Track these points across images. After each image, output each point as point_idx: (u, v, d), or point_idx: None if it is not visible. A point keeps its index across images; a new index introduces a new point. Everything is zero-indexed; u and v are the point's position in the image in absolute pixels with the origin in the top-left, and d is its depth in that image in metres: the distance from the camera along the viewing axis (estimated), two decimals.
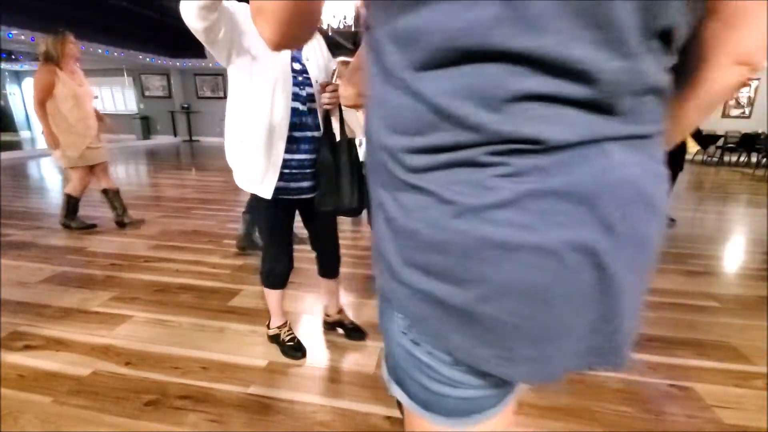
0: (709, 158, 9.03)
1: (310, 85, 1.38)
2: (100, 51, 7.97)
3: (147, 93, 11.89)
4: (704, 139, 8.70)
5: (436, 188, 0.37)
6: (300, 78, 1.36)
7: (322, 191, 1.42)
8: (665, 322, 2.03)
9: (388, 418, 1.37)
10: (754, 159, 8.18)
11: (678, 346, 1.83)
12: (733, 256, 3.13)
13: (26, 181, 5.74)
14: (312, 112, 1.40)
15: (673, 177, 3.71)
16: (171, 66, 10.74)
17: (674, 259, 2.94)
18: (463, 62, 0.34)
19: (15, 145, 9.31)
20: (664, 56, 0.37)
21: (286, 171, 1.38)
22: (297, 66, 1.36)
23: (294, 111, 1.35)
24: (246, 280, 2.42)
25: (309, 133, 1.40)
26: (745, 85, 9.37)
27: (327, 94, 1.36)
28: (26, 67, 11.95)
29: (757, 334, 1.94)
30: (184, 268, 2.60)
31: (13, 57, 10.18)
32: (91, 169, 3.28)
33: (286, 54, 1.32)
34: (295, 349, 1.69)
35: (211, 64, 10.42)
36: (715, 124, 9.20)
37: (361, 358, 1.69)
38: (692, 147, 3.65)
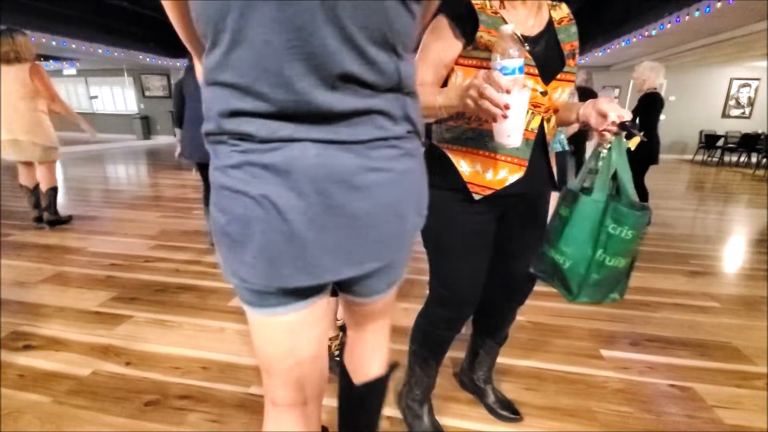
0: (710, 158, 9.03)
1: None
2: (100, 51, 7.97)
3: (147, 93, 11.88)
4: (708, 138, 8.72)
5: (214, 155, 0.60)
6: None
7: None
8: (666, 323, 2.03)
9: (388, 418, 1.37)
10: (754, 159, 8.17)
11: (678, 347, 1.82)
12: (734, 256, 3.13)
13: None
14: None
15: (642, 172, 3.66)
16: (171, 66, 10.74)
17: (675, 259, 2.93)
18: (213, 85, 0.56)
19: None
20: (359, 88, 0.56)
21: None
22: None
23: None
24: None
25: None
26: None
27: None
28: None
29: (758, 334, 1.94)
30: (184, 267, 2.60)
31: None
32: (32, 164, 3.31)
33: None
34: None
35: None
36: (715, 124, 9.21)
37: None
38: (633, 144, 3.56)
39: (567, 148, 2.43)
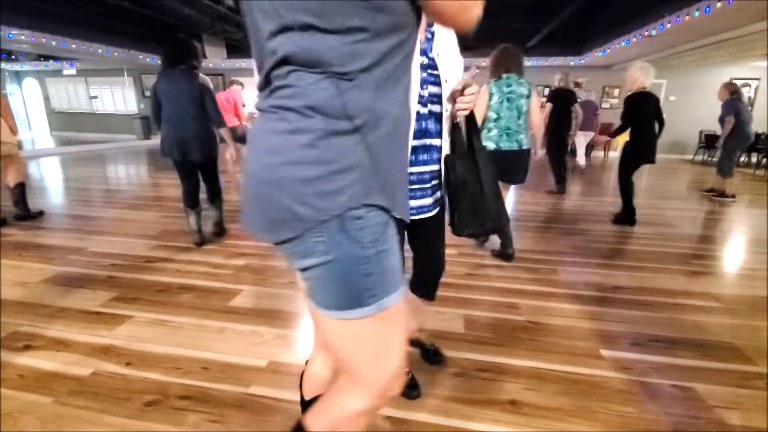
0: (710, 158, 9.02)
1: (436, 83, 1.13)
2: (100, 51, 7.96)
3: (147, 93, 11.86)
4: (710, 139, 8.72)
5: None
6: (424, 74, 1.10)
7: (463, 212, 1.18)
8: (667, 323, 2.03)
9: (388, 418, 1.37)
10: (754, 159, 8.17)
11: (679, 347, 1.82)
12: (734, 256, 3.13)
13: (26, 181, 5.72)
14: (433, 115, 1.15)
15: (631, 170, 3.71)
16: None
17: (675, 259, 2.93)
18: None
19: None
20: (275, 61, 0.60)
21: None
22: (423, 60, 1.11)
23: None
24: (247, 281, 2.41)
25: (429, 141, 1.16)
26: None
27: (466, 98, 1.11)
28: (26, 67, 11.95)
29: (759, 334, 1.93)
30: (185, 268, 2.60)
31: (13, 57, 10.18)
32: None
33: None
34: (411, 387, 1.48)
35: (211, 64, 10.41)
36: (715, 124, 9.20)
37: None
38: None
39: (526, 147, 2.69)
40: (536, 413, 1.40)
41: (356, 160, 0.60)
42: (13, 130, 3.34)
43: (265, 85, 0.65)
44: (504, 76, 2.61)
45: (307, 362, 0.99)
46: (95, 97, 12.21)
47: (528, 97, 2.62)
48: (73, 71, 11.83)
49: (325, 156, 0.59)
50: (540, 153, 3.16)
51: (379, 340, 0.70)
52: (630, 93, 3.56)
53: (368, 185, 0.61)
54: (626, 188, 3.78)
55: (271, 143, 0.62)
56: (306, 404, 0.96)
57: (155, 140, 11.60)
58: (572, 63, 9.17)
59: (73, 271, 2.53)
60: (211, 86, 2.81)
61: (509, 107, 2.60)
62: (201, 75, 2.75)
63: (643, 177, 6.86)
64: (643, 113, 3.50)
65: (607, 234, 3.55)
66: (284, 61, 0.59)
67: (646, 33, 5.91)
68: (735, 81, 5.04)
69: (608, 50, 7.49)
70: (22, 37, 6.72)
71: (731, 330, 1.97)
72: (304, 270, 0.66)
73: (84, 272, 2.51)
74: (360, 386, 0.73)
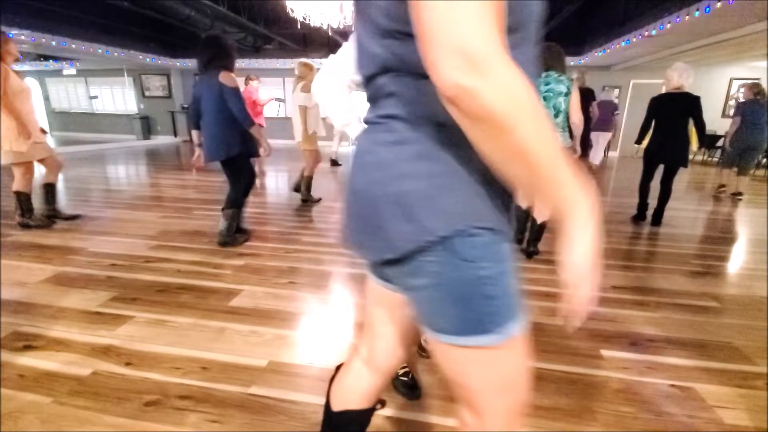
0: (710, 158, 9.02)
1: None
2: (100, 51, 7.97)
3: (147, 93, 11.88)
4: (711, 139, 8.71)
5: None
6: None
7: None
8: (666, 323, 2.03)
9: (388, 418, 1.37)
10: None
11: (679, 347, 1.83)
12: (734, 256, 3.13)
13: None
14: None
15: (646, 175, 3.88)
16: (171, 66, 10.74)
17: (675, 259, 2.93)
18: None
19: None
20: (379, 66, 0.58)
21: None
22: None
23: None
24: (247, 281, 2.42)
25: None
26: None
27: None
28: (26, 67, 11.95)
29: (758, 334, 1.94)
30: (185, 268, 2.60)
31: None
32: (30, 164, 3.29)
33: None
34: (411, 388, 1.46)
35: None
36: (715, 124, 9.20)
37: None
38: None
39: (563, 144, 2.70)
40: (536, 413, 1.40)
41: (463, 173, 0.55)
42: (23, 134, 3.05)
43: (370, 93, 0.63)
44: (543, 74, 2.61)
45: (339, 367, 0.93)
46: (95, 97, 12.21)
47: (567, 94, 2.61)
48: (73, 71, 11.83)
49: (433, 169, 0.54)
50: (579, 151, 3.07)
51: (501, 371, 0.63)
52: (658, 94, 3.65)
53: (476, 204, 0.55)
54: (642, 186, 3.92)
55: (378, 157, 0.58)
56: (331, 415, 0.89)
57: (155, 140, 11.62)
58: (572, 63, 9.17)
59: (73, 271, 2.54)
60: (234, 83, 2.66)
61: (546, 106, 2.60)
62: (223, 73, 2.63)
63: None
64: (665, 113, 3.56)
65: (608, 234, 3.55)
66: (385, 68, 0.57)
67: (646, 33, 5.91)
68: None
69: (608, 50, 7.49)
70: (22, 37, 6.73)
71: (731, 330, 1.97)
72: (411, 289, 0.61)
73: (84, 272, 2.51)
74: (484, 420, 0.67)
